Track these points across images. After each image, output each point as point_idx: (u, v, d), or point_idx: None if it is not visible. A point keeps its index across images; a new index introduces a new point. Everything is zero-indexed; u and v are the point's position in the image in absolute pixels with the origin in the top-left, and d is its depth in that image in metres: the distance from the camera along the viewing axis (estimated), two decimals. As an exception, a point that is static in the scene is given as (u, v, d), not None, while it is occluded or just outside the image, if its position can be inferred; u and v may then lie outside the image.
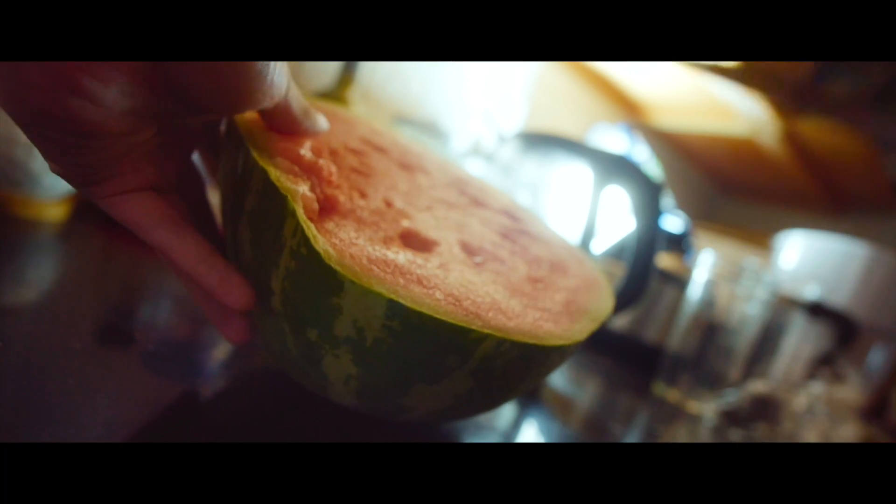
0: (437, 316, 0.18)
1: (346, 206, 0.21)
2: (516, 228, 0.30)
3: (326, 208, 0.21)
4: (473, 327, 0.18)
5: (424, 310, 0.17)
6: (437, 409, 0.21)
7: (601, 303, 0.26)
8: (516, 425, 0.32)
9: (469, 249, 0.24)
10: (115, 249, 0.39)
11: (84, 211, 0.43)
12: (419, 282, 0.19)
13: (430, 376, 0.19)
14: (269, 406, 0.24)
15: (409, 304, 0.17)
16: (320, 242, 0.18)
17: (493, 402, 0.22)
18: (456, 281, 0.20)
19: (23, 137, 0.34)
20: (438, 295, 0.19)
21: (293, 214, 0.18)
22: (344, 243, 0.19)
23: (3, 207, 0.36)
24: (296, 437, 0.22)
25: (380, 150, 0.29)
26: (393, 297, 0.17)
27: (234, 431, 0.21)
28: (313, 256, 0.17)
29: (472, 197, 0.31)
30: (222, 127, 0.24)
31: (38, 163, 0.35)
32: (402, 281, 0.18)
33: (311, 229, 0.18)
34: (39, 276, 0.29)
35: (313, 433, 0.23)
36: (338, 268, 0.17)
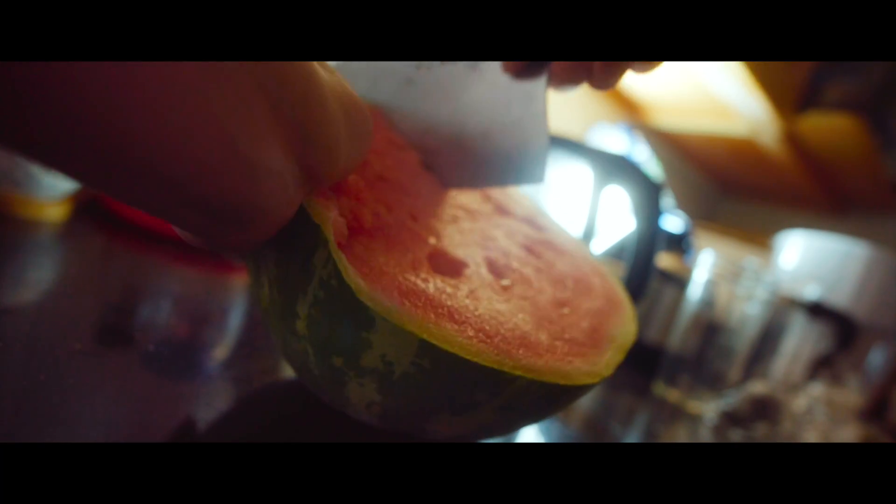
0: (469, 357, 0.17)
1: (373, 224, 0.21)
2: (539, 239, 0.30)
3: (354, 228, 0.20)
4: (505, 369, 0.18)
5: (456, 350, 0.17)
6: (461, 434, 0.21)
7: (625, 327, 0.26)
8: (516, 425, 0.32)
9: (496, 270, 0.24)
10: (115, 249, 0.39)
11: (84, 211, 0.43)
12: (450, 317, 0.19)
13: (456, 409, 0.19)
14: (270, 406, 0.24)
15: (440, 343, 0.17)
16: (352, 275, 0.17)
17: (517, 429, 0.23)
18: (486, 313, 0.20)
19: (23, 137, 0.34)
20: (469, 332, 0.19)
21: (325, 245, 0.17)
22: (374, 272, 0.18)
23: (3, 207, 0.36)
24: (296, 437, 0.22)
25: (401, 148, 0.28)
26: (425, 336, 0.17)
27: (234, 431, 0.21)
28: (344, 289, 0.17)
29: (495, 202, 0.31)
30: None
31: (38, 163, 0.35)
32: (433, 316, 0.18)
33: (342, 261, 0.17)
34: (39, 276, 0.29)
35: (313, 433, 0.23)
36: (370, 304, 0.17)
